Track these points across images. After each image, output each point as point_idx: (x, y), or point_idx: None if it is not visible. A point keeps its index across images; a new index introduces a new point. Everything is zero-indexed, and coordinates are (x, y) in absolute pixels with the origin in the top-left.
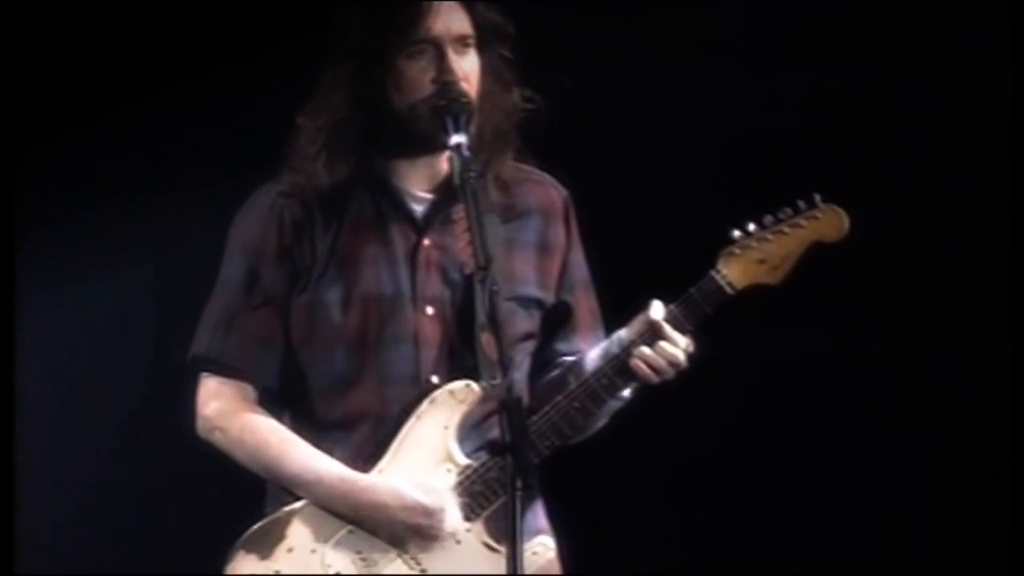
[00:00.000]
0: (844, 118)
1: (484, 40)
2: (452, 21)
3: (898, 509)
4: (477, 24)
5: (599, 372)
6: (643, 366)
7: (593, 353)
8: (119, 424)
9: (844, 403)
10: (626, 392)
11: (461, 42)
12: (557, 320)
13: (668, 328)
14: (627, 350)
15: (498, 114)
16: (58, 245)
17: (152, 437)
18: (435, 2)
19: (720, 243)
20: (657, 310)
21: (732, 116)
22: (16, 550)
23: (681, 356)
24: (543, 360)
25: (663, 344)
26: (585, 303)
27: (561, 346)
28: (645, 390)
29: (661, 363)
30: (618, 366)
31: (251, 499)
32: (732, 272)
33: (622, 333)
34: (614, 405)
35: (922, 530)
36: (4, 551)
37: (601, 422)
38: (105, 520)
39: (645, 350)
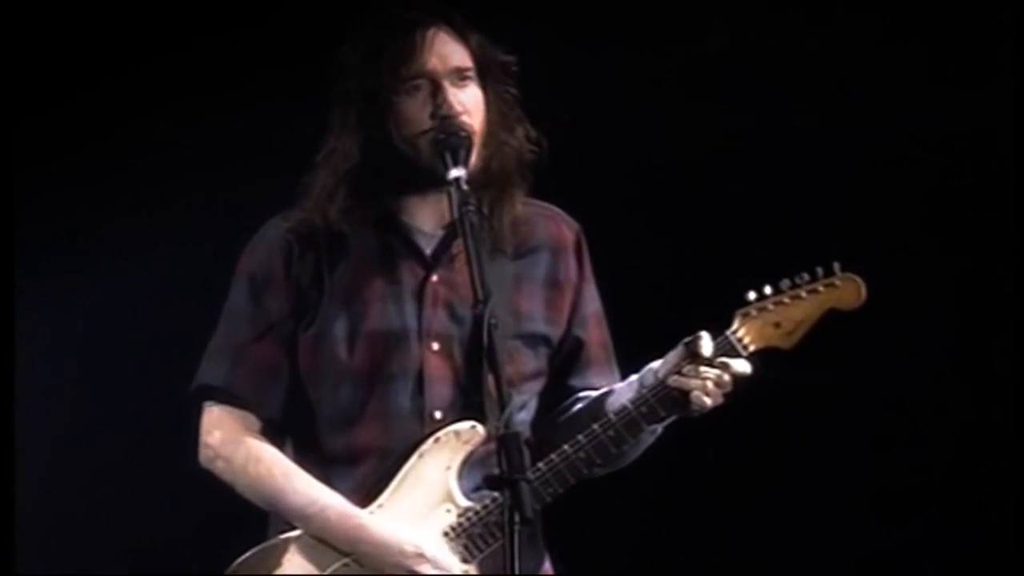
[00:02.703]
0: (852, 152)
1: (486, 74)
2: (447, 54)
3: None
4: (475, 57)
5: (640, 400)
6: (687, 381)
7: (621, 387)
8: (120, 427)
9: (851, 443)
10: (659, 427)
11: (458, 75)
12: (569, 355)
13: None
14: (669, 374)
15: (503, 151)
16: (59, 247)
17: (152, 441)
18: (428, 36)
19: (730, 283)
20: (707, 345)
21: (728, 148)
22: (16, 550)
23: (727, 376)
24: (557, 396)
25: (705, 368)
26: (597, 338)
27: (575, 382)
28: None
29: (710, 376)
30: (660, 392)
31: (254, 505)
32: (748, 334)
33: (655, 365)
34: (646, 439)
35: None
36: (4, 551)
37: (634, 454)
38: (105, 521)
39: (690, 369)
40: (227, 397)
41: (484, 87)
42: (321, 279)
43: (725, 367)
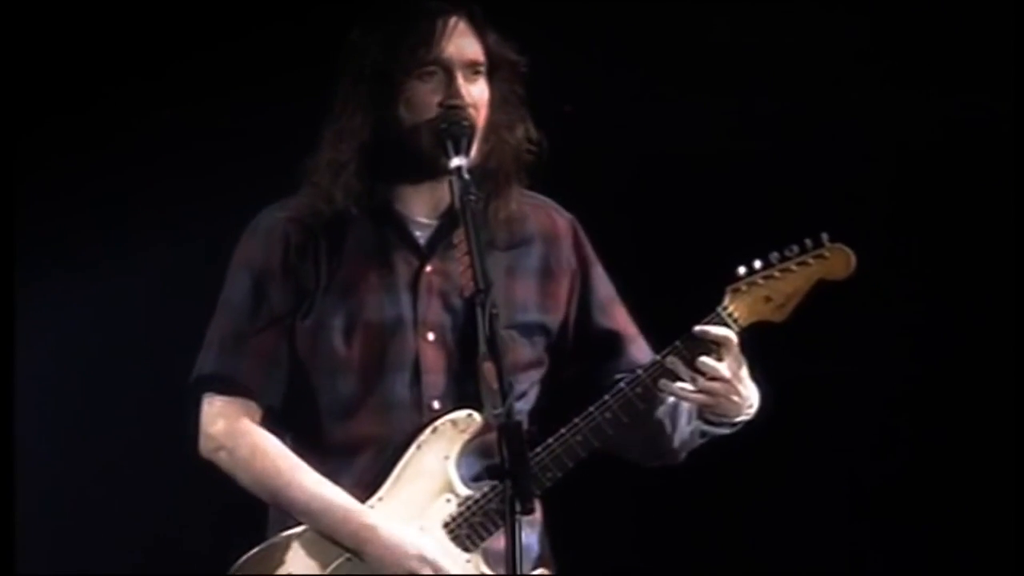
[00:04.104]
0: (849, 141)
1: (496, 71)
2: (464, 46)
3: (912, 537)
4: (489, 53)
5: (635, 380)
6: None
7: None
8: (120, 427)
9: (852, 442)
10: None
11: (472, 68)
12: (605, 346)
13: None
14: (665, 356)
15: (502, 148)
16: (59, 247)
17: (152, 441)
18: (450, 25)
19: (722, 271)
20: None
21: (728, 139)
22: (16, 550)
23: (723, 371)
24: (603, 381)
25: (680, 384)
26: (621, 317)
27: (621, 365)
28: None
29: (687, 392)
30: (655, 371)
31: (255, 504)
32: (738, 309)
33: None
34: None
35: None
36: (4, 551)
37: (675, 445)
38: (105, 520)
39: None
40: (229, 386)
41: (491, 84)
42: (318, 268)
43: (698, 375)
